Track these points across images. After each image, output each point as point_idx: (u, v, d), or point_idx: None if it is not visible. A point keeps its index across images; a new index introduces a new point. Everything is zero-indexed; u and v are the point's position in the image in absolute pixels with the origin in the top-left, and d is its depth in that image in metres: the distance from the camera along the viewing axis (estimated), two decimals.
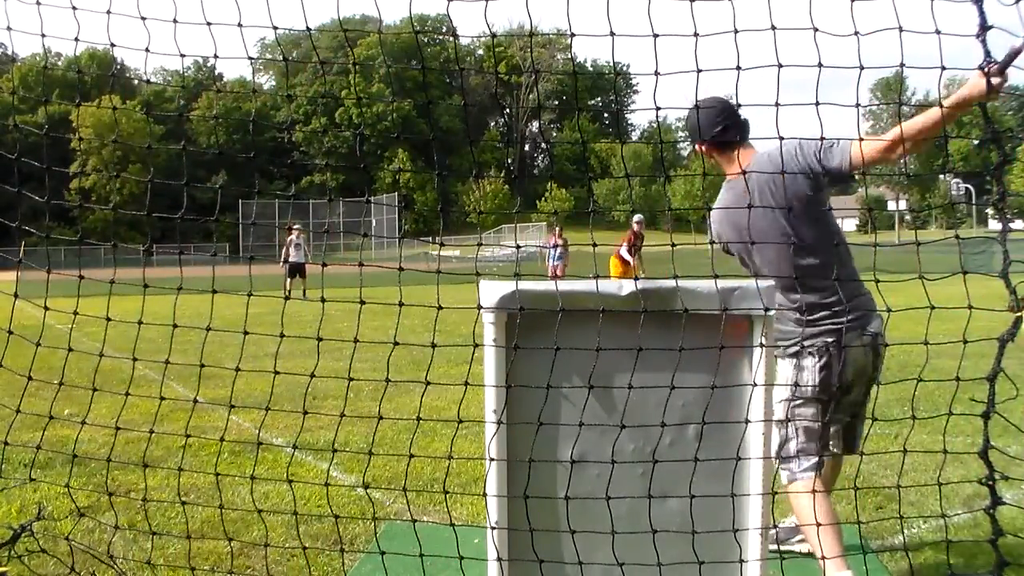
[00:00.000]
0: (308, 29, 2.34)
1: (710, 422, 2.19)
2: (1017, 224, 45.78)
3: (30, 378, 2.54)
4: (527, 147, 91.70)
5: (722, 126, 2.81)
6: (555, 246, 19.67)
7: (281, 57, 2.73)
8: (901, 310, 2.16)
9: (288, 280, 19.16)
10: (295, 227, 21.48)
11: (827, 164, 2.58)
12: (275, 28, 2.34)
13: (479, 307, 2.25)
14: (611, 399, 2.23)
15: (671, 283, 2.21)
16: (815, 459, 2.59)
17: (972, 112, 2.31)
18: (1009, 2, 2.03)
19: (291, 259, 19.51)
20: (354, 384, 2.50)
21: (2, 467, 3.03)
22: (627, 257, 14.37)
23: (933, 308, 2.22)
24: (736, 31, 2.16)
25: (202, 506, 3.86)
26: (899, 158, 2.45)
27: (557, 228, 20.90)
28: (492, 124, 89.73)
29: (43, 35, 2.45)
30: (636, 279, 2.20)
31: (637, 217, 15.18)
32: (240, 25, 2.33)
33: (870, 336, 2.59)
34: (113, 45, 2.39)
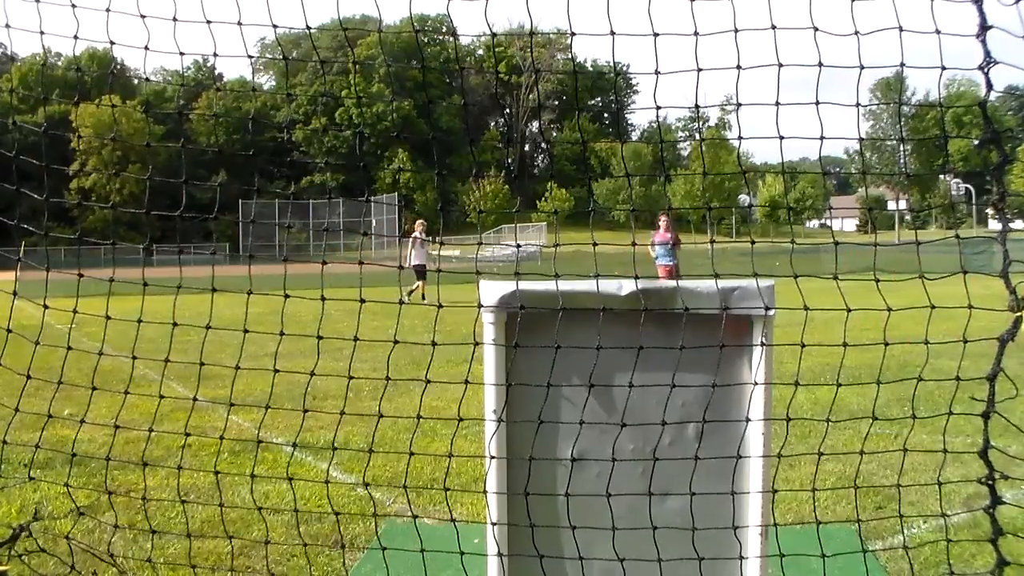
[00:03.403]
0: (308, 29, 2.34)
1: (710, 421, 2.19)
2: (1017, 224, 45.81)
3: (29, 377, 2.54)
4: (527, 147, 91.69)
5: None
6: (664, 243, 14.90)
7: (281, 57, 2.73)
8: (901, 310, 2.16)
9: (419, 283, 16.65)
10: (419, 222, 18.24)
11: None
12: (275, 27, 2.34)
13: (479, 306, 2.25)
14: (611, 398, 2.23)
15: (671, 283, 2.22)
16: None
17: (972, 112, 2.31)
18: (1009, 2, 2.03)
19: (415, 260, 16.93)
20: (354, 383, 2.50)
21: (2, 467, 3.03)
22: None
23: (933, 308, 2.22)
24: (736, 30, 2.16)
25: (202, 505, 3.86)
26: None
27: (663, 219, 15.33)
28: (492, 124, 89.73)
29: (41, 32, 2.45)
30: None
31: None
32: (240, 24, 2.34)
33: None
34: (112, 44, 2.39)
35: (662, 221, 15.34)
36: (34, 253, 3.30)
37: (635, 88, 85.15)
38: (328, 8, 2.54)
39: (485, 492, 2.26)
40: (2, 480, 3.31)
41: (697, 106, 2.64)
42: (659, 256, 15.05)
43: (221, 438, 3.26)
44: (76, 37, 2.39)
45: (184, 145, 2.62)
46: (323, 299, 2.36)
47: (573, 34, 2.22)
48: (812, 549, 2.37)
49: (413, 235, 17.93)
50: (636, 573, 2.20)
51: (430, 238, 17.63)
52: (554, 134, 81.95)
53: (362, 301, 2.32)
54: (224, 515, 3.47)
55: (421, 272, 16.99)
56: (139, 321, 2.46)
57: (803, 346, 2.28)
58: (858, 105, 2.27)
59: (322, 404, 6.34)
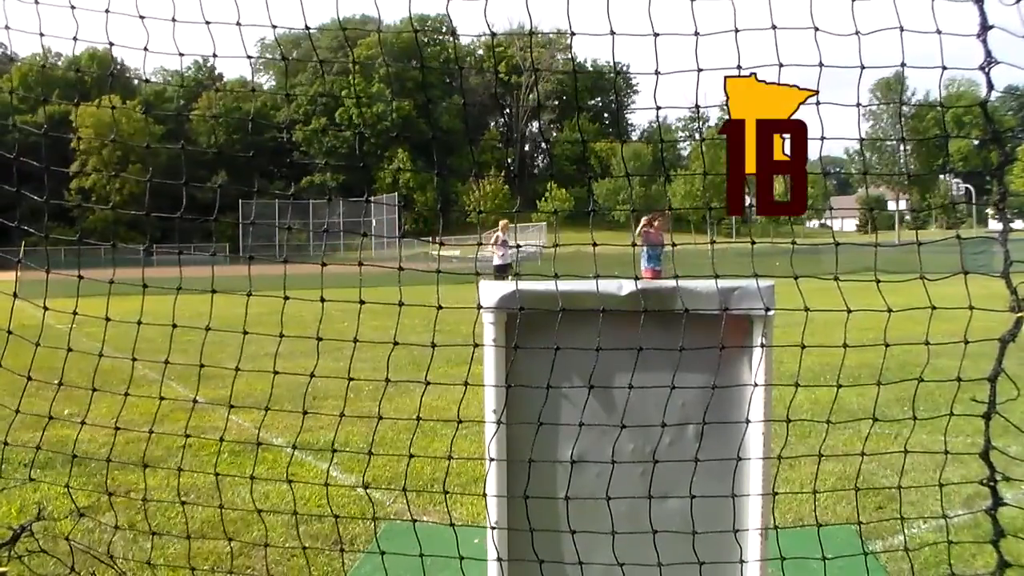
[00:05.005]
0: (308, 29, 2.34)
1: (710, 422, 2.19)
2: (1017, 224, 45.76)
3: (29, 378, 2.53)
4: (527, 147, 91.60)
5: None
6: (656, 245, 12.86)
7: (281, 57, 2.73)
8: (902, 310, 2.16)
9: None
10: (502, 222, 17.06)
11: None
12: (274, 28, 2.34)
13: (479, 307, 2.25)
14: (611, 399, 2.23)
15: (671, 283, 2.21)
16: None
17: (972, 112, 2.31)
18: (1010, 2, 2.03)
19: (498, 260, 15.91)
20: (354, 384, 2.50)
21: (2, 467, 3.03)
22: None
23: (934, 308, 2.22)
24: (737, 30, 2.16)
25: (202, 506, 3.86)
26: None
27: (654, 221, 13.04)
28: (492, 124, 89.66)
29: (41, 34, 2.44)
30: None
31: None
32: (239, 24, 2.33)
33: None
34: (112, 44, 2.39)
35: (658, 220, 13.07)
36: (34, 253, 3.30)
37: (635, 88, 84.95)
38: (328, 8, 2.54)
39: (485, 495, 2.26)
40: (2, 481, 3.31)
41: (697, 106, 2.63)
42: (648, 258, 13.09)
43: (221, 439, 3.26)
44: (75, 39, 2.39)
45: (183, 146, 2.62)
46: (323, 300, 2.36)
47: (573, 34, 2.21)
48: (812, 549, 2.37)
49: (496, 233, 16.85)
50: None
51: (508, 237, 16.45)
52: (554, 134, 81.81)
53: (362, 302, 2.31)
54: (224, 516, 3.46)
55: (501, 273, 15.78)
56: (139, 322, 2.46)
57: (803, 347, 2.28)
58: (858, 105, 2.27)
59: (322, 404, 6.33)
